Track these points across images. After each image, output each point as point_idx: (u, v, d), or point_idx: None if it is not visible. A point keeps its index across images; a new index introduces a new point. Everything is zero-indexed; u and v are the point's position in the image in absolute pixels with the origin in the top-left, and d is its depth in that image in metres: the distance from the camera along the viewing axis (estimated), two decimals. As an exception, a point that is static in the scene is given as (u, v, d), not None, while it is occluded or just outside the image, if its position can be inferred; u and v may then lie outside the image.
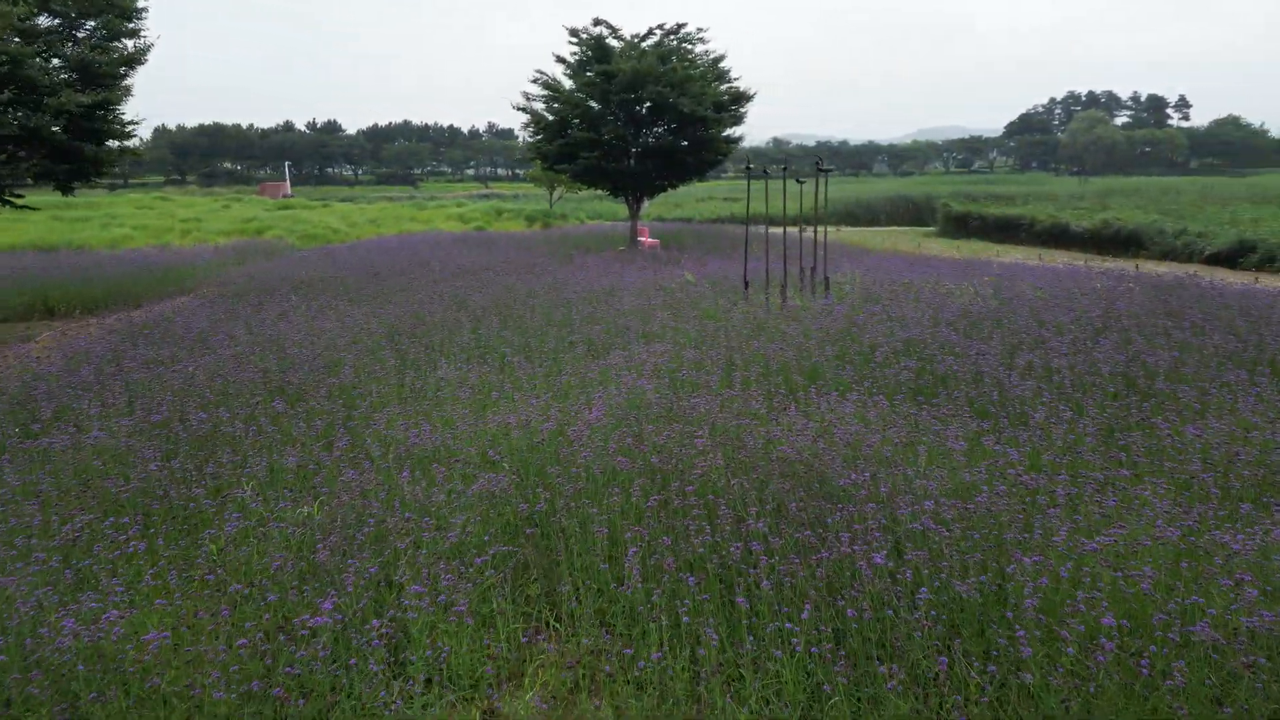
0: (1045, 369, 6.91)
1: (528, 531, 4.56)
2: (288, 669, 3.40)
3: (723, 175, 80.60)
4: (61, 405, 6.79)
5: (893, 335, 8.03)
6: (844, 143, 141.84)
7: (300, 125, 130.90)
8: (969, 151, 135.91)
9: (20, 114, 11.89)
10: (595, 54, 21.64)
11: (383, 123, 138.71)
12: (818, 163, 12.11)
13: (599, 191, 26.36)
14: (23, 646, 3.47)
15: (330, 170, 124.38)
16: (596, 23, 21.84)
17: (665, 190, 23.92)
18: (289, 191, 69.09)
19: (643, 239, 22.56)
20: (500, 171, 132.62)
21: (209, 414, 6.26)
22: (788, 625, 3.49)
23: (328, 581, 3.99)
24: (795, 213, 17.26)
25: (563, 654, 3.85)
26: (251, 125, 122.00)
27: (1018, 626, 3.40)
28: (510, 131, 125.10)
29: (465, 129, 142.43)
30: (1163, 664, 3.22)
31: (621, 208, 35.79)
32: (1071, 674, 3.27)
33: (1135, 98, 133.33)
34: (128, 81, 13.73)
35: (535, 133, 22.69)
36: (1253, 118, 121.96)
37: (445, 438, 5.75)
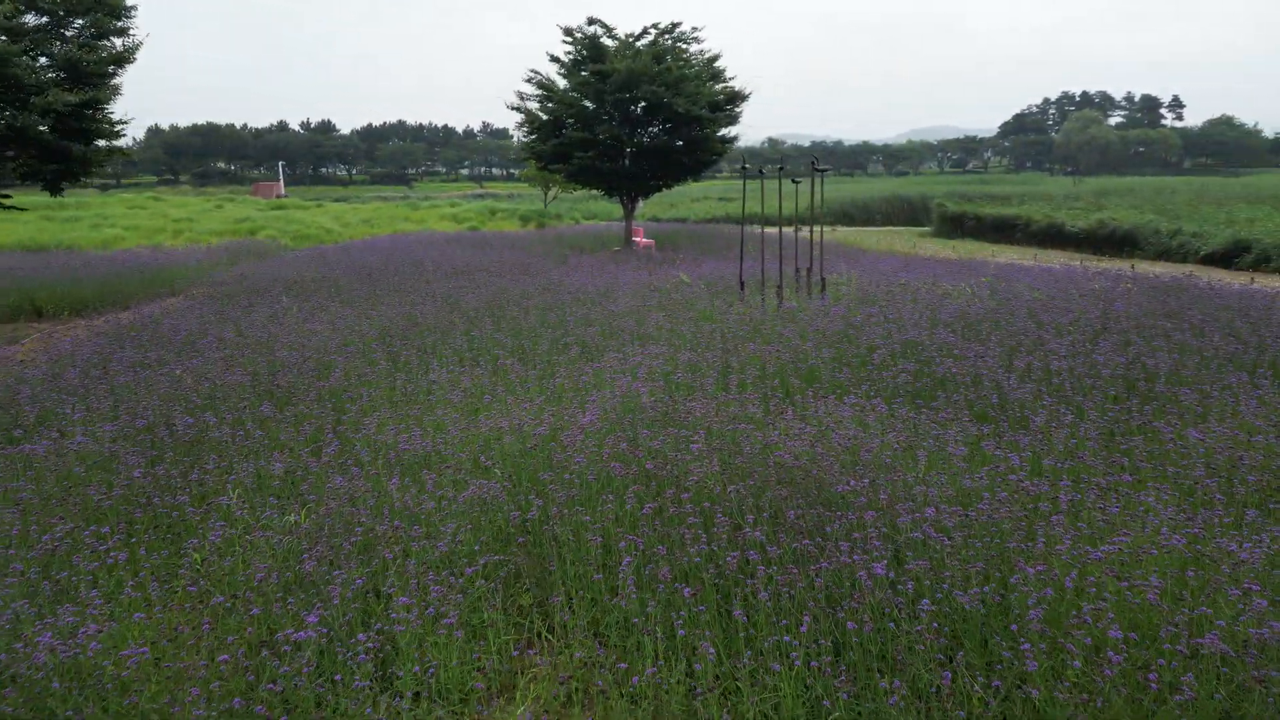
0: (1045, 371, 6.84)
1: (519, 540, 4.46)
2: (271, 685, 3.30)
3: (718, 175, 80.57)
4: (45, 409, 6.67)
5: (890, 337, 7.94)
6: (839, 143, 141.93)
7: (294, 125, 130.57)
8: (964, 151, 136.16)
9: (7, 113, 11.75)
10: (590, 53, 21.54)
11: (377, 122, 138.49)
12: (813, 162, 12.03)
13: (593, 191, 26.26)
14: (-4, 662, 3.36)
15: (324, 170, 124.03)
16: (591, 22, 21.74)
17: (660, 190, 23.83)
18: (283, 191, 68.79)
19: (637, 239, 22.47)
20: (495, 171, 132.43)
21: (195, 418, 6.15)
22: (786, 638, 3.40)
23: (314, 593, 3.88)
24: (791, 213, 17.18)
25: (555, 666, 3.75)
26: (245, 125, 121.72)
27: (1022, 639, 3.31)
28: (505, 131, 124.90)
29: (460, 129, 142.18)
30: (1171, 677, 3.13)
31: (616, 208, 35.67)
32: (1077, 688, 3.18)
33: (1129, 98, 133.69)
34: (116, 80, 13.60)
35: (529, 132, 22.58)
36: (1246, 118, 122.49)
37: (436, 442, 5.64)
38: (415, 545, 4.24)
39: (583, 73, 21.39)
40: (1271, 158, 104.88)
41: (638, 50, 21.19)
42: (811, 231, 12.24)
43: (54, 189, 13.76)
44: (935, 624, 3.47)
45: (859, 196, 42.67)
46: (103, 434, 5.86)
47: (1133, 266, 17.06)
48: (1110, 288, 10.44)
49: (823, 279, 11.29)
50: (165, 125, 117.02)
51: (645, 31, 22.06)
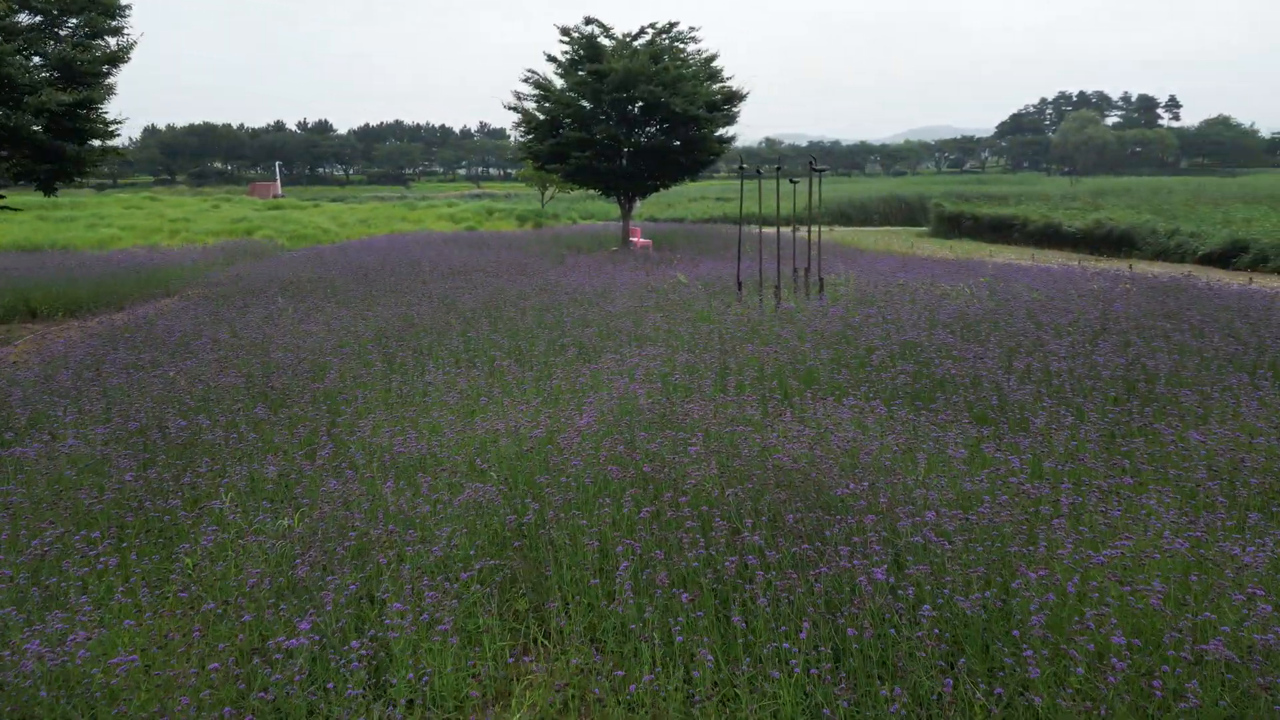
0: (1044, 372, 6.80)
1: (515, 544, 4.42)
2: (262, 694, 3.25)
3: (715, 175, 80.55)
4: (37, 412, 6.60)
5: (889, 338, 7.90)
6: (836, 143, 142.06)
7: (291, 125, 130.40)
8: (961, 151, 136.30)
9: (0, 113, 11.66)
10: (587, 53, 21.49)
11: (374, 122, 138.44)
12: (811, 162, 11.98)
13: (591, 191, 26.21)
14: (-17, 671, 3.30)
15: (321, 170, 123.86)
16: (588, 21, 21.68)
17: (657, 190, 23.78)
18: (279, 191, 68.69)
19: (635, 239, 22.42)
20: (492, 171, 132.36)
21: (189, 421, 6.09)
22: (785, 645, 3.35)
23: (306, 599, 3.83)
24: (788, 212, 17.13)
25: (552, 673, 3.70)
26: (242, 125, 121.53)
27: (1025, 645, 3.27)
28: (502, 131, 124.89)
29: (457, 129, 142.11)
30: (1175, 684, 3.09)
31: (613, 208, 35.66)
32: (1081, 695, 3.14)
33: (1126, 98, 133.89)
34: (110, 80, 13.50)
35: (526, 132, 22.53)
36: (1243, 118, 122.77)
37: (432, 445, 5.59)
38: (410, 550, 4.19)
39: (580, 72, 21.33)
40: (1268, 158, 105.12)
41: (635, 50, 21.14)
42: (809, 231, 12.20)
43: (48, 189, 13.67)
44: (936, 630, 3.43)
45: (856, 196, 42.67)
46: (94, 437, 5.80)
47: (1130, 267, 17.04)
48: (1109, 288, 10.41)
49: (820, 279, 11.25)
50: (162, 125, 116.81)
51: (643, 31, 22.01)
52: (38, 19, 13.10)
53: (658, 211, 43.30)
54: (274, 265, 17.29)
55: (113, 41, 13.64)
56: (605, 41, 21.82)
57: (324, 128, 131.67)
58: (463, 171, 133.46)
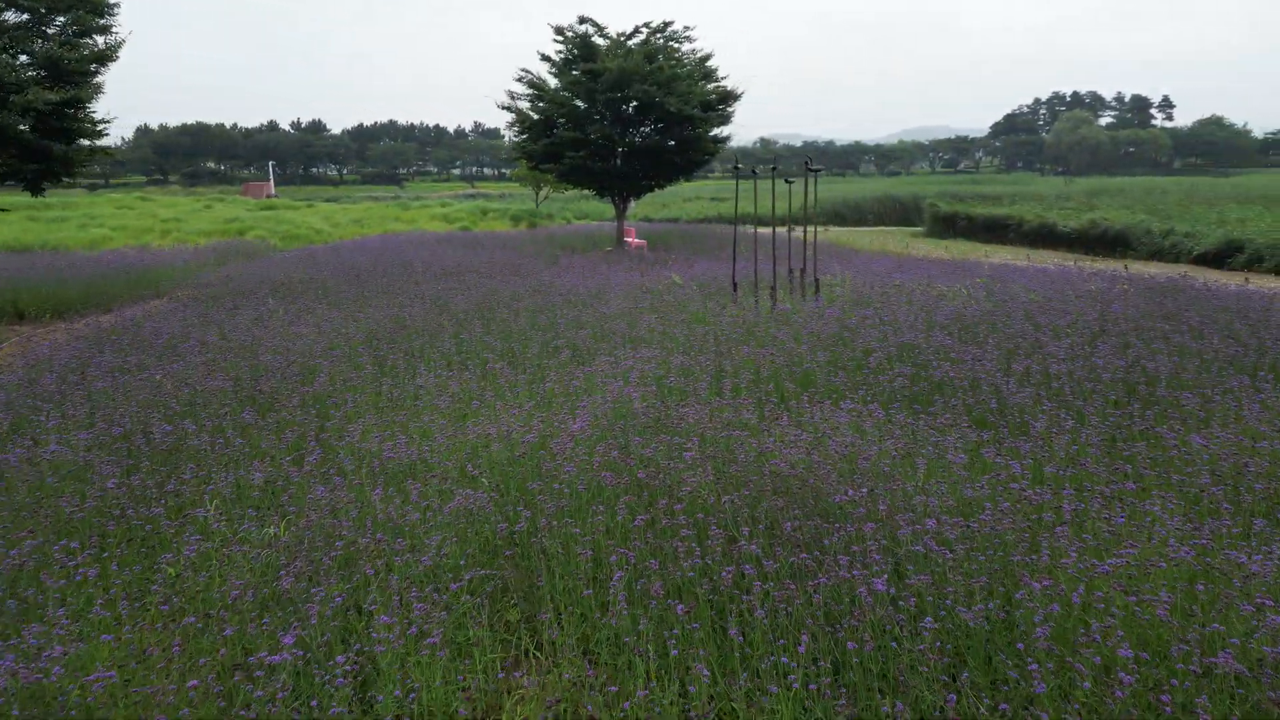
0: (1044, 375, 6.72)
1: (507, 553, 4.31)
2: (243, 711, 3.14)
3: (710, 175, 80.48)
4: (20, 417, 6.48)
5: (886, 340, 7.82)
6: (830, 143, 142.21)
7: (285, 125, 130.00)
8: (955, 151, 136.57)
9: (-14, 112, 11.52)
10: (581, 52, 21.38)
11: (368, 122, 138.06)
12: (807, 162, 11.90)
13: (585, 192, 26.10)
14: (-47, 689, 3.19)
15: (315, 170, 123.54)
16: (582, 20, 21.58)
17: (652, 190, 23.68)
18: (273, 191, 68.44)
19: (629, 239, 22.32)
20: (487, 171, 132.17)
21: (174, 426, 5.97)
22: (784, 659, 3.26)
23: (291, 611, 3.72)
24: (784, 213, 17.03)
25: (543, 686, 3.60)
26: (235, 125, 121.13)
27: (1030, 658, 3.18)
28: (496, 131, 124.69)
29: (452, 128, 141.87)
30: (1184, 698, 3.01)
31: (608, 208, 35.54)
32: (1087, 709, 3.05)
33: (1119, 98, 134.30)
34: (99, 79, 13.35)
35: (520, 132, 22.42)
36: (1236, 118, 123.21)
37: (422, 450, 5.49)
38: (399, 560, 4.08)
39: (574, 72, 21.22)
40: (1260, 158, 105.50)
41: (629, 49, 21.04)
42: (805, 232, 12.12)
43: (35, 189, 13.51)
44: (938, 642, 3.34)
45: (851, 196, 42.63)
46: (77, 442, 5.68)
47: (1126, 267, 17.00)
48: (1106, 289, 10.35)
49: (816, 280, 11.17)
50: (155, 125, 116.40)
51: (637, 30, 21.91)
52: (25, 17, 12.94)
53: (652, 211, 43.21)
54: (265, 266, 17.14)
55: (101, 40, 13.49)
56: (599, 41, 21.72)
57: (318, 127, 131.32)
58: (457, 171, 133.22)
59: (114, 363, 8.01)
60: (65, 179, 13.85)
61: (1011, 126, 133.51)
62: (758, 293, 11.03)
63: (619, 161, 21.67)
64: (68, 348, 9.10)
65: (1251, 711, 3.01)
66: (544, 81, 21.89)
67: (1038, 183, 61.18)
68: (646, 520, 4.28)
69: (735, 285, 11.31)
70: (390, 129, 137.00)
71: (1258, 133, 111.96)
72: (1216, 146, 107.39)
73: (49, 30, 13.14)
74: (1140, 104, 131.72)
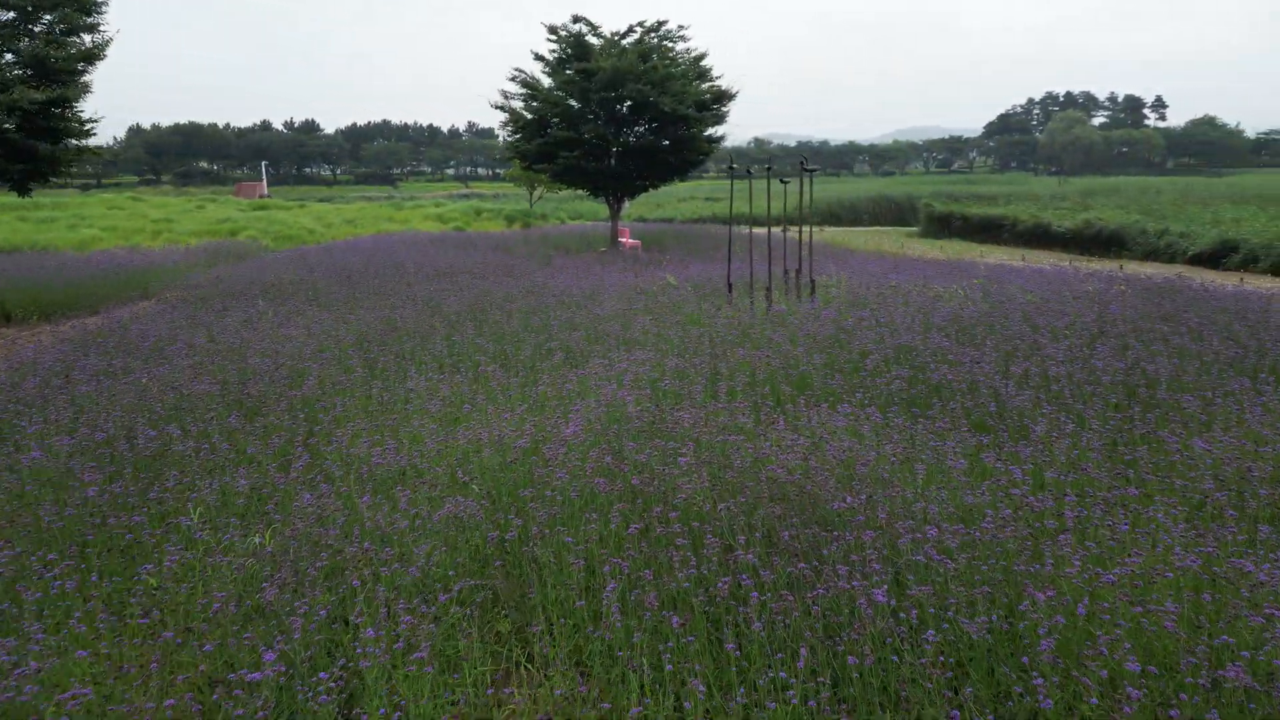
0: (1043, 377, 6.64)
1: (497, 563, 4.21)
2: (223, 730, 3.03)
3: (704, 175, 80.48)
4: (1, 421, 6.35)
5: (883, 342, 7.73)
6: (825, 143, 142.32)
7: (278, 125, 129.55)
8: (949, 151, 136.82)
9: (-30, 111, 11.36)
10: (574, 52, 21.28)
11: (362, 122, 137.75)
12: (802, 162, 11.82)
13: (579, 192, 25.99)
14: (-79, 708, 3.07)
15: (308, 170, 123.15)
16: (576, 20, 21.47)
17: (646, 190, 23.59)
18: (265, 191, 68.13)
19: (623, 240, 22.23)
20: (481, 171, 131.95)
21: (158, 431, 5.85)
22: (782, 674, 3.16)
23: (274, 624, 3.61)
24: (779, 213, 16.99)
25: (535, 700, 3.50)
26: (228, 125, 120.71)
27: (1034, 672, 3.09)
28: (490, 131, 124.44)
29: (445, 128, 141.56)
30: (1193, 713, 2.92)
31: (602, 208, 35.43)
32: (1093, 725, 2.96)
33: (1113, 98, 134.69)
34: (86, 78, 13.19)
35: (514, 132, 22.30)
36: (1229, 118, 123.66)
37: (412, 456, 5.38)
38: (386, 570, 3.97)
39: (568, 71, 21.12)
40: (1253, 158, 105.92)
41: (623, 49, 20.94)
42: (800, 232, 12.04)
43: (21, 189, 13.35)
44: (940, 655, 3.25)
45: (845, 197, 42.62)
46: (59, 448, 5.56)
47: (1121, 267, 16.97)
48: (1104, 290, 10.28)
49: (812, 281, 11.08)
50: (148, 125, 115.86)
51: (631, 30, 21.81)
52: (10, 15, 12.77)
53: (647, 211, 43.13)
54: (256, 267, 16.99)
55: (88, 39, 13.34)
56: (593, 40, 21.61)
57: (311, 127, 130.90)
58: (451, 171, 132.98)
59: (99, 366, 7.88)
60: (52, 179, 13.68)
61: (1005, 126, 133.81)
62: (753, 294, 10.94)
63: (613, 161, 21.57)
64: (52, 350, 8.96)
65: (1262, 727, 2.93)
66: (538, 81, 21.78)
67: (1032, 183, 61.29)
68: (641, 528, 4.18)
69: (730, 286, 11.22)
70: (384, 129, 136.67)
71: (1250, 133, 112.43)
72: (1209, 146, 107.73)
73: (35, 29, 12.97)
74: (1133, 104, 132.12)
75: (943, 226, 30.90)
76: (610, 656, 3.56)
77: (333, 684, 3.23)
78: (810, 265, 11.38)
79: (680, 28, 21.94)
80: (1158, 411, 5.92)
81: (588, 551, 4.10)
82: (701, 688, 3.15)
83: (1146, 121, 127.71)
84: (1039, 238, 26.32)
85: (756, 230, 19.86)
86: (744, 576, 3.68)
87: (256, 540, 4.44)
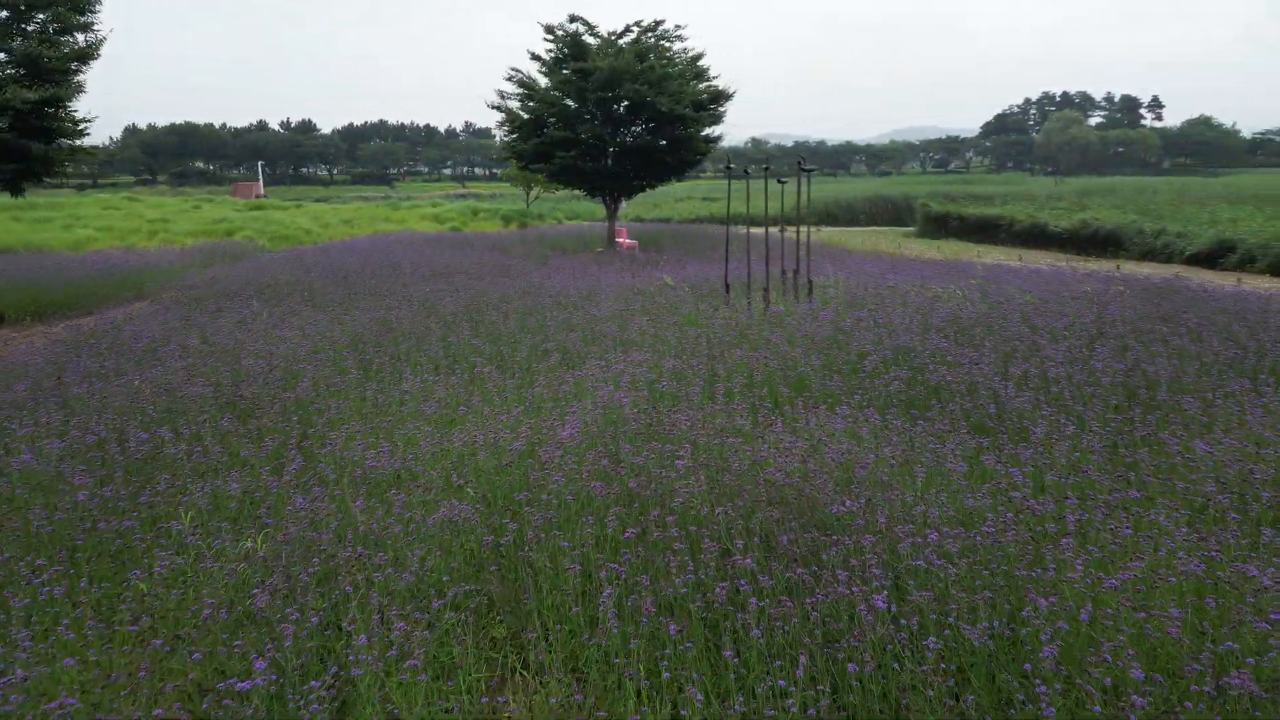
0: (1042, 379, 6.60)
1: (492, 567, 4.16)
2: (212, 741, 2.98)
3: (701, 175, 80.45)
4: (-9, 424, 6.28)
5: (881, 343, 7.69)
6: (822, 143, 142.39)
7: (274, 125, 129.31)
8: (945, 151, 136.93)
9: (-38, 111, 11.28)
10: (571, 51, 21.22)
11: (358, 122, 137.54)
12: (800, 162, 11.77)
13: (576, 192, 25.93)
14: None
15: (305, 170, 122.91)
16: (573, 19, 21.41)
17: (643, 190, 23.54)
18: (262, 191, 67.99)
19: (620, 240, 22.18)
20: (478, 171, 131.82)
21: (150, 434, 5.79)
22: (781, 682, 3.11)
23: (265, 632, 3.55)
24: (776, 213, 16.95)
25: (530, 708, 3.45)
26: (224, 124, 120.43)
27: (1037, 679, 3.05)
28: (487, 131, 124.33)
29: (443, 128, 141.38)
30: (1198, 721, 2.88)
31: (599, 208, 35.37)
32: (1097, 734, 2.92)
33: (1109, 98, 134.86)
34: (80, 78, 13.10)
35: (510, 132, 22.23)
36: (1224, 118, 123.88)
37: (406, 459, 5.32)
38: (379, 576, 3.92)
39: (564, 71, 21.06)
40: (1249, 158, 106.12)
41: (620, 48, 20.88)
42: (798, 232, 11.99)
43: (14, 189, 13.26)
44: (941, 663, 3.20)
45: (842, 197, 42.61)
46: (50, 451, 5.49)
47: (1119, 267, 16.96)
48: (1102, 290, 10.25)
49: (810, 281, 11.04)
50: (144, 125, 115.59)
51: (628, 29, 21.76)
52: (3, 14, 12.68)
53: (644, 211, 43.08)
54: (252, 267, 16.91)
55: (82, 38, 13.24)
56: (590, 39, 21.55)
57: (308, 127, 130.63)
58: (448, 171, 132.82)
59: (91, 367, 7.81)
60: (46, 179, 13.59)
61: (1002, 126, 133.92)
62: (750, 294, 10.89)
63: (610, 161, 21.52)
64: (45, 352, 8.89)
65: (1268, 735, 2.89)
66: (534, 81, 21.72)
67: (1028, 182, 61.35)
68: (637, 533, 4.13)
69: (728, 287, 11.18)
70: (381, 129, 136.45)
71: (1246, 133, 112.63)
72: (1205, 146, 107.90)
73: (28, 28, 12.88)
74: (1129, 104, 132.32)
75: (939, 226, 30.88)
76: (606, 663, 3.51)
77: (325, 692, 3.17)
78: (808, 265, 11.34)
79: (677, 27, 21.91)
80: (1158, 413, 5.88)
81: (584, 556, 4.05)
82: (699, 695, 3.11)
83: (1143, 121, 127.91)
84: (1036, 238, 26.31)
85: (754, 230, 19.80)
86: (742, 582, 3.63)
87: (248, 545, 4.38)
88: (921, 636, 3.31)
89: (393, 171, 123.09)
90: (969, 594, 3.50)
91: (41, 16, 12.83)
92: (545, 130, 21.18)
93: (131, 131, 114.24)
